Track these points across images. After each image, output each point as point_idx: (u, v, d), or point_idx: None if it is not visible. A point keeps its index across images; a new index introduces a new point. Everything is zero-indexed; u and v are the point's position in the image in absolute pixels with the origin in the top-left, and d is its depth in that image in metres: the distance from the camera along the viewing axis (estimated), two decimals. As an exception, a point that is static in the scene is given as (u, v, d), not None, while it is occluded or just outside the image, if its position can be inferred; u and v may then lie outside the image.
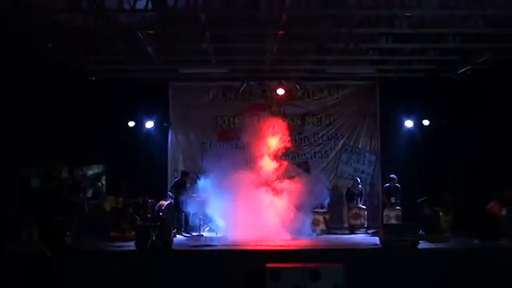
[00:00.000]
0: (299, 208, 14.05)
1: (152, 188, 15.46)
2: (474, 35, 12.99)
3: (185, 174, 15.51)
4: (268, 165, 14.65)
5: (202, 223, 14.69)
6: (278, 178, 14.49)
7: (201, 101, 16.99)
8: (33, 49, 12.90)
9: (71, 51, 13.92)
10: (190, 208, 14.06)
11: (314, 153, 17.08)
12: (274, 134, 14.91)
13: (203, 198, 14.35)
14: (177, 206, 14.47)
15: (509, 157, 14.37)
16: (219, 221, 14.18)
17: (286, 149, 15.18)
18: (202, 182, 14.43)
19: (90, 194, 14.94)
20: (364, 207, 15.60)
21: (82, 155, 14.97)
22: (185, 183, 15.07)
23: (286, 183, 14.36)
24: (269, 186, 14.33)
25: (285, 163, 14.80)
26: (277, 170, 14.64)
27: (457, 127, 15.65)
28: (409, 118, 16.58)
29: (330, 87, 17.18)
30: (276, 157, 14.80)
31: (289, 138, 15.28)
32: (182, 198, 14.25)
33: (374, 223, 15.27)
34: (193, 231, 14.62)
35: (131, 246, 12.27)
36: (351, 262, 11.17)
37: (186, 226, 14.72)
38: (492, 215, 13.83)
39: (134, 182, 15.24)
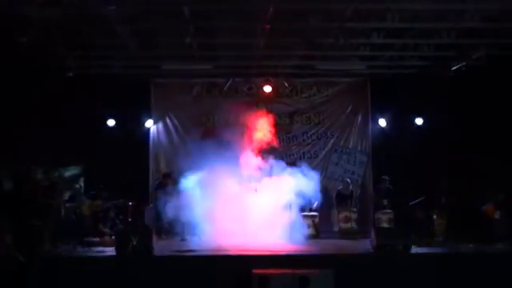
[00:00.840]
0: (287, 210, 13.98)
1: (133, 190, 15.30)
2: (470, 30, 12.97)
3: (166, 175, 15.39)
4: (254, 165, 14.57)
5: (185, 227, 14.55)
6: (265, 179, 14.43)
7: (184, 98, 16.92)
8: (5, 43, 12.73)
9: (47, 46, 13.75)
10: (173, 211, 13.94)
11: (303, 153, 17.07)
12: (260, 134, 14.85)
13: (186, 200, 14.22)
14: (158, 210, 14.35)
15: (505, 157, 14.41)
16: (203, 224, 14.06)
17: (274, 149, 15.17)
18: (185, 184, 14.32)
19: (66, 196, 14.79)
20: (355, 210, 15.56)
21: (58, 155, 14.82)
22: (166, 185, 14.95)
23: (273, 184, 14.30)
24: (255, 187, 14.26)
25: (272, 163, 14.76)
26: (263, 170, 14.57)
27: (451, 126, 15.65)
28: (401, 116, 16.57)
29: (320, 84, 17.18)
30: (263, 157, 14.75)
31: (276, 138, 15.25)
32: (164, 200, 14.13)
33: (365, 227, 15.15)
34: (175, 236, 14.49)
35: (111, 251, 12.18)
36: (341, 268, 11.14)
37: (168, 230, 14.57)
38: (487, 218, 13.88)
39: (113, 184, 15.11)
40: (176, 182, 14.86)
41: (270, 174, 14.64)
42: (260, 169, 14.60)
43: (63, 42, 13.66)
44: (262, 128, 15.15)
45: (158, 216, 14.38)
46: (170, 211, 13.94)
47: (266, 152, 14.96)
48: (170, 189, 14.73)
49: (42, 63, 14.39)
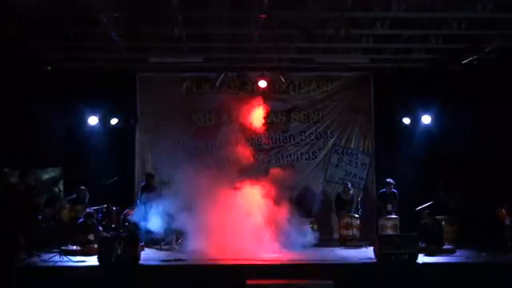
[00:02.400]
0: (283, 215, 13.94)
1: (117, 194, 15.27)
2: (482, 20, 12.95)
3: (150, 176, 15.31)
4: (248, 167, 14.55)
5: (173, 234, 14.50)
6: (259, 181, 14.36)
7: (173, 94, 16.82)
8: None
9: (22, 37, 13.62)
10: (160, 217, 13.89)
11: (301, 154, 16.95)
12: (255, 133, 14.82)
13: (175, 204, 14.15)
14: (144, 215, 14.27)
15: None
16: (193, 231, 13.99)
17: (269, 149, 15.14)
18: (174, 187, 14.24)
19: (44, 201, 14.72)
20: (356, 216, 15.52)
21: (35, 156, 14.82)
22: (152, 188, 14.86)
23: (268, 185, 14.22)
24: (248, 188, 14.22)
25: (267, 163, 14.73)
26: (258, 172, 14.53)
27: (462, 125, 15.62)
28: (407, 114, 16.55)
29: (319, 79, 17.13)
30: (258, 158, 14.71)
31: (272, 137, 15.19)
32: (150, 205, 14.06)
33: (368, 234, 15.20)
34: (163, 244, 14.44)
35: (93, 260, 12.15)
36: (342, 279, 11.20)
37: (155, 237, 14.48)
38: (501, 223, 13.87)
39: (96, 187, 15.06)
40: (163, 185, 14.85)
41: (264, 174, 14.61)
42: (254, 169, 14.55)
43: (39, 33, 13.52)
44: (257, 126, 15.08)
45: (144, 222, 14.29)
46: (157, 217, 13.90)
47: (261, 152, 14.89)
48: (156, 192, 14.68)
49: (16, 56, 14.29)
